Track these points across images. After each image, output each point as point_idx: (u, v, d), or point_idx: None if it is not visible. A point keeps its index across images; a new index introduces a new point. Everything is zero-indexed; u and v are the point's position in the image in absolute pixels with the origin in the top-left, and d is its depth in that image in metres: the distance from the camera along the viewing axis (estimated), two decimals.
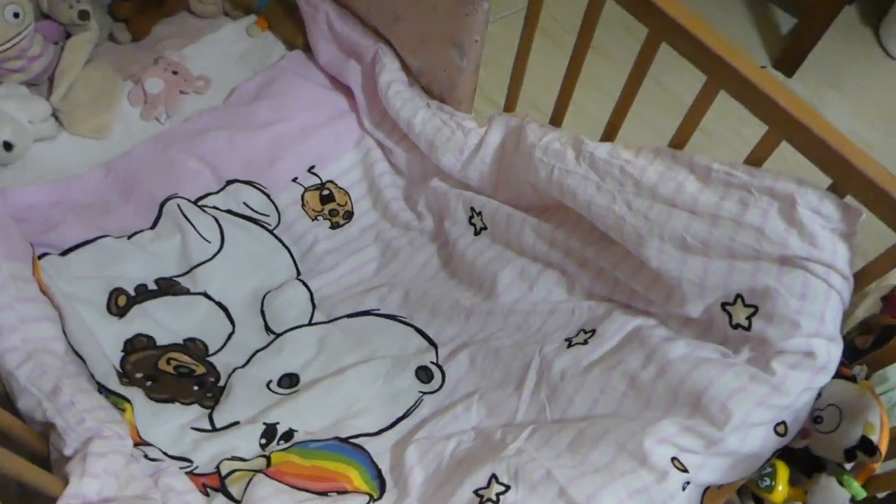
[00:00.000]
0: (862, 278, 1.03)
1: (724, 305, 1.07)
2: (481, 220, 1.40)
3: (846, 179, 0.93)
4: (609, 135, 1.28)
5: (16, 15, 1.55)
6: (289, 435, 1.22)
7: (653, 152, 1.16)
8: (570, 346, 1.19)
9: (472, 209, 1.41)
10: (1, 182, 1.46)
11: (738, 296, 1.05)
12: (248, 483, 1.08)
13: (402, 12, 1.44)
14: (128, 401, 1.18)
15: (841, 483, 1.04)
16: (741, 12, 2.33)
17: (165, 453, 1.16)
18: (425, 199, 1.49)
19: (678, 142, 1.15)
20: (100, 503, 0.94)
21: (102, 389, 1.18)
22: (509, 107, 1.45)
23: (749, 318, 1.04)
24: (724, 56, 0.99)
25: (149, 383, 1.26)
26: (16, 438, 1.02)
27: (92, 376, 1.19)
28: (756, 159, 1.05)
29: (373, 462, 1.19)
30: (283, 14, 1.72)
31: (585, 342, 1.18)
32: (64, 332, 1.19)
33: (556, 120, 1.37)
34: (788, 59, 2.13)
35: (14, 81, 1.59)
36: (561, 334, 1.23)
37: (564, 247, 1.27)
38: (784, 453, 1.12)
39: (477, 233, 1.41)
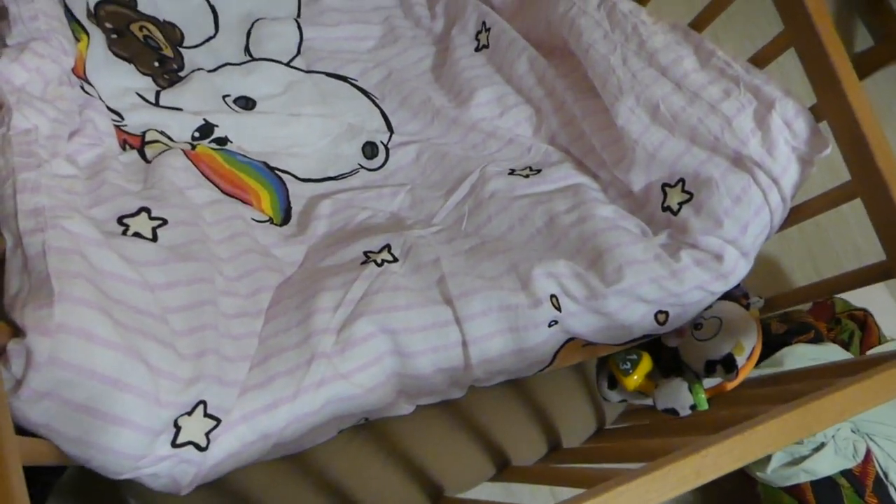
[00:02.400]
0: (798, 212, 1.04)
1: (664, 186, 1.08)
2: (487, 37, 1.38)
3: (828, 100, 0.92)
4: None
5: None
6: (223, 141, 1.23)
7: (670, 25, 1.15)
8: (511, 174, 1.20)
9: (484, 24, 1.38)
10: None
11: (681, 180, 1.06)
12: (164, 152, 1.09)
13: None
14: (87, 34, 1.18)
15: (690, 390, 1.08)
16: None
17: (101, 99, 1.16)
18: (446, 0, 1.47)
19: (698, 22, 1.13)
20: (19, 88, 0.93)
21: (67, 12, 1.17)
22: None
23: (681, 203, 1.05)
24: None
25: (114, 36, 1.25)
26: None
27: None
28: (762, 58, 1.04)
29: (287, 195, 1.21)
30: None
31: (527, 176, 1.19)
32: None
33: None
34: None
35: None
36: (508, 164, 1.24)
37: (550, 86, 1.26)
38: (652, 350, 1.16)
39: (478, 48, 1.39)
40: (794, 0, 0.92)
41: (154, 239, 0.90)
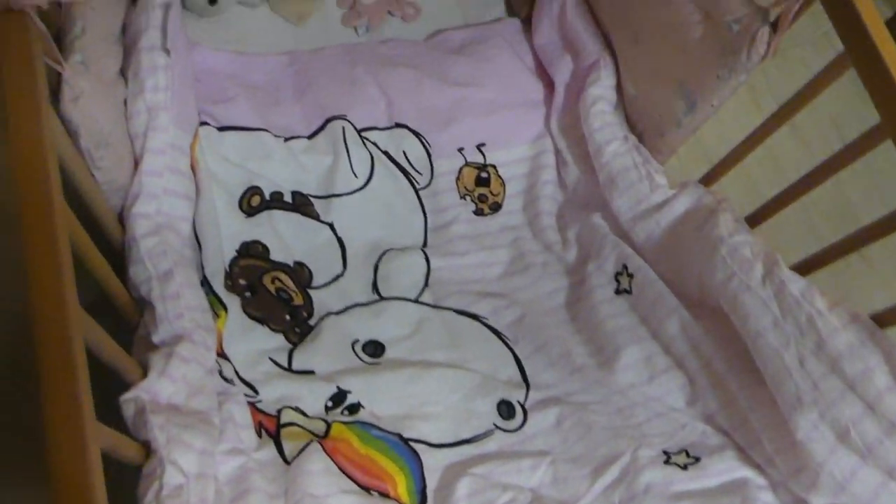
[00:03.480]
0: None
1: None
2: (629, 282, 1.30)
3: None
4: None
5: None
6: (355, 408, 1.18)
7: (850, 315, 1.04)
8: (667, 461, 1.11)
9: (625, 267, 1.31)
10: (192, 33, 1.43)
11: None
12: (303, 449, 1.05)
13: (644, 37, 1.32)
14: (225, 309, 1.16)
15: None
16: None
17: (238, 373, 1.14)
18: (579, 229, 1.40)
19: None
20: (166, 407, 0.92)
21: (206, 285, 1.16)
22: (709, 180, 1.32)
23: None
24: None
25: (248, 294, 1.23)
26: (117, 305, 1.00)
27: (202, 267, 1.17)
28: None
29: (422, 474, 1.14)
30: None
31: (685, 467, 1.09)
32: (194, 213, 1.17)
33: (753, 219, 1.25)
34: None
35: None
36: (662, 442, 1.14)
37: (706, 358, 1.17)
38: None
39: (618, 291, 1.32)
40: None
41: None
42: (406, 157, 1.44)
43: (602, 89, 1.41)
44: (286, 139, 1.37)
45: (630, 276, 1.30)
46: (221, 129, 1.32)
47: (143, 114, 1.10)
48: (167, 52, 1.12)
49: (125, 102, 1.11)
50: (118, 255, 1.05)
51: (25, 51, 0.72)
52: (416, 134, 1.44)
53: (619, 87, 1.43)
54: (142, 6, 1.15)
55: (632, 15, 1.33)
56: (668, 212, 1.29)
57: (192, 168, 1.19)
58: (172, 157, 1.12)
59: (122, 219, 1.08)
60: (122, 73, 1.13)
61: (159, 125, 1.10)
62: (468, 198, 1.45)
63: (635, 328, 1.27)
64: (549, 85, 1.52)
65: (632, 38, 1.36)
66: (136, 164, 1.10)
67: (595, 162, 1.38)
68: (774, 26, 1.06)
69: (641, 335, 1.25)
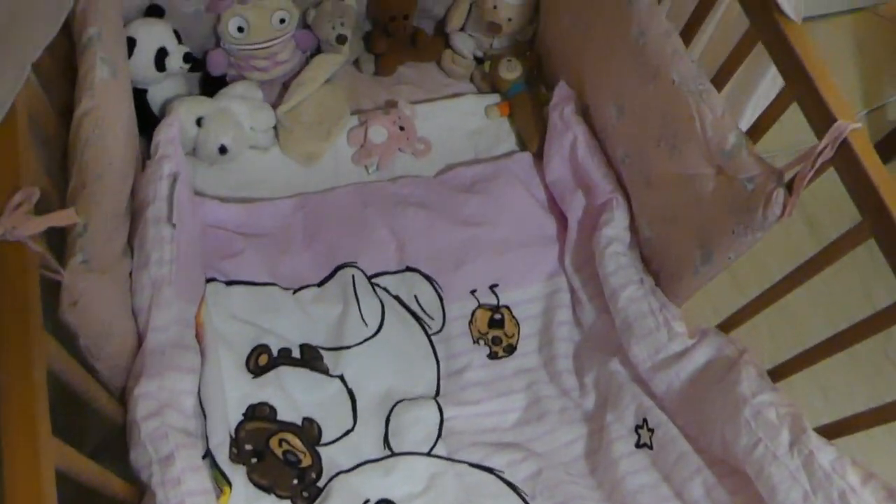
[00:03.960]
0: None
1: None
2: (650, 437, 1.24)
3: None
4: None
5: (281, 21, 1.52)
6: None
7: (886, 491, 0.98)
8: None
9: (646, 420, 1.25)
10: (202, 180, 1.45)
11: None
12: None
13: (657, 183, 1.30)
14: (229, 484, 1.12)
15: None
16: (856, 86, 2.24)
17: None
18: (597, 374, 1.35)
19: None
20: None
21: (210, 457, 1.13)
22: (729, 326, 1.28)
23: None
24: None
25: (254, 460, 1.19)
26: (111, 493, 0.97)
27: (206, 438, 1.14)
28: None
29: None
30: (530, 110, 1.61)
31: None
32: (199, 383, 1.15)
33: (776, 374, 1.19)
34: (889, 146, 2.00)
35: (253, 78, 1.57)
36: None
37: None
38: None
39: (639, 445, 1.26)
40: None
41: None
42: (418, 302, 1.41)
43: (615, 230, 1.38)
44: (295, 291, 1.35)
45: (651, 430, 1.24)
46: (229, 283, 1.31)
47: (148, 288, 1.09)
48: (173, 225, 1.12)
49: (130, 274, 1.11)
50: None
51: (19, 282, 0.71)
52: (428, 278, 1.42)
53: (633, 226, 1.41)
54: (150, 177, 1.16)
55: (643, 160, 1.32)
56: (687, 362, 1.24)
57: (198, 337, 1.18)
58: (176, 332, 1.10)
59: (123, 397, 1.06)
60: (129, 241, 1.13)
61: (163, 301, 1.09)
62: (482, 341, 1.42)
63: (657, 487, 1.21)
64: (562, 220, 1.50)
65: (644, 181, 1.34)
66: (140, 340, 1.09)
67: (611, 306, 1.34)
68: (790, 187, 1.04)
69: (664, 495, 1.19)
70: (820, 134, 0.99)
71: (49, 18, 0.85)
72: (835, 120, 0.96)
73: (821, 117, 0.99)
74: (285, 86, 1.61)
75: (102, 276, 0.95)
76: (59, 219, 0.74)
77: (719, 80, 1.19)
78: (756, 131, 1.12)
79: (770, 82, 1.15)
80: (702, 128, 1.14)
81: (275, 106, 1.56)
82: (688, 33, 1.25)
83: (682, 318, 1.31)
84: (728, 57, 1.17)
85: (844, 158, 0.96)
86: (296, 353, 1.32)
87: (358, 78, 1.69)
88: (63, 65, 1.11)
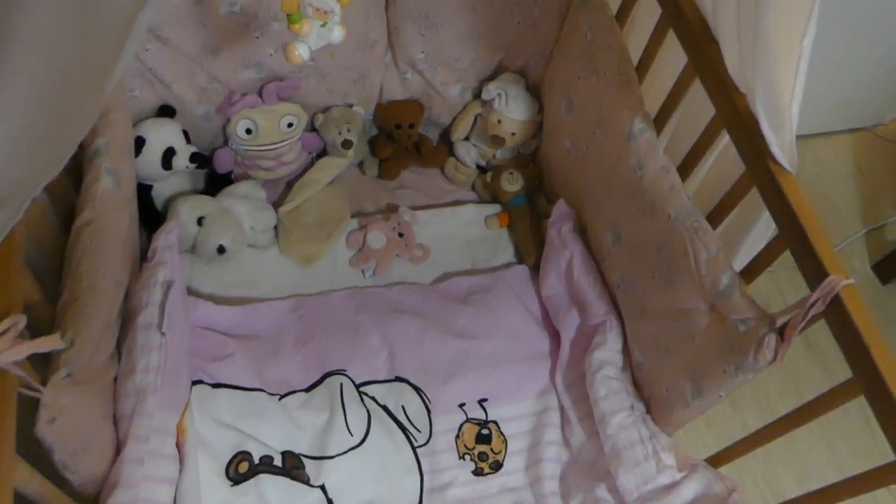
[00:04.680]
0: None
1: None
2: None
3: None
4: None
5: (289, 125, 1.55)
6: None
7: None
8: None
9: None
10: (199, 278, 1.45)
11: None
12: None
13: (651, 314, 1.30)
14: None
15: None
16: (855, 205, 2.24)
17: None
18: (583, 500, 1.32)
19: None
20: None
21: None
22: (719, 461, 1.26)
23: None
24: None
25: None
26: None
27: None
28: None
29: None
30: (529, 224, 1.63)
31: None
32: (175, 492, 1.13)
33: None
34: (889, 266, 2.01)
35: (258, 177, 1.60)
36: None
37: None
38: None
39: None
40: None
41: None
42: (405, 413, 1.39)
43: (608, 353, 1.38)
44: (281, 396, 1.34)
45: None
46: (216, 385, 1.30)
47: (132, 396, 1.08)
48: (163, 333, 1.11)
49: (115, 379, 1.10)
50: None
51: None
52: (417, 389, 1.41)
53: (625, 349, 1.40)
54: (144, 282, 1.16)
55: (638, 289, 1.32)
56: (676, 497, 1.22)
57: (178, 444, 1.16)
58: (156, 441, 1.09)
59: None
60: (118, 345, 1.13)
61: (145, 410, 1.08)
62: (468, 457, 1.39)
63: None
64: (556, 336, 1.50)
65: (638, 309, 1.34)
66: (119, 447, 1.07)
67: (600, 431, 1.32)
68: (782, 333, 1.03)
69: None
70: (812, 285, 0.99)
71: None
72: (827, 274, 0.96)
73: (813, 269, 0.99)
74: (289, 185, 1.63)
75: (86, 387, 0.94)
76: (43, 345, 0.74)
77: (715, 218, 1.20)
78: (750, 273, 1.13)
79: (765, 224, 1.16)
80: (696, 265, 1.15)
81: (277, 205, 1.58)
82: (685, 168, 1.27)
83: (672, 448, 1.29)
84: (724, 197, 1.18)
85: (836, 313, 0.96)
86: (277, 461, 1.29)
87: (361, 180, 1.71)
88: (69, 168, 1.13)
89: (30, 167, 0.65)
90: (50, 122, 0.61)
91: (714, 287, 1.12)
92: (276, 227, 1.56)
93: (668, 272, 1.21)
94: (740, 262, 1.17)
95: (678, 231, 1.18)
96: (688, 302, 1.19)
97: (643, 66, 1.35)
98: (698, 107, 1.26)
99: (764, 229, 1.19)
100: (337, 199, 1.64)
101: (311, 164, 1.65)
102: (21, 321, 0.72)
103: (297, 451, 1.31)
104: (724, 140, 1.23)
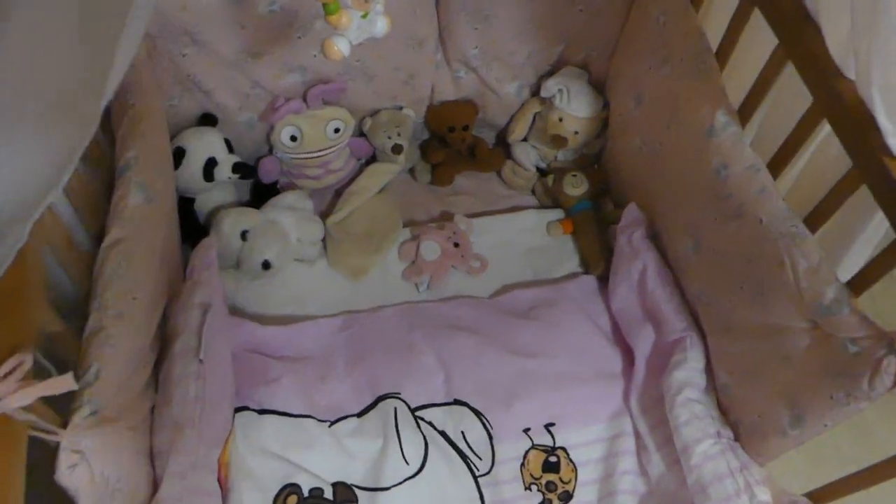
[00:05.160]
0: None
1: None
2: None
3: None
4: None
5: (336, 130, 1.47)
6: None
7: None
8: None
9: None
10: (243, 296, 1.37)
11: None
12: None
13: (739, 333, 1.16)
14: None
15: None
16: None
17: None
18: None
19: None
20: None
21: None
22: (822, 498, 1.11)
23: None
24: None
25: None
26: None
27: None
28: None
29: None
30: (594, 230, 1.50)
31: None
32: None
33: None
34: None
35: (305, 186, 1.52)
36: None
37: None
38: None
39: None
40: None
41: None
42: (465, 439, 1.28)
43: (689, 373, 1.24)
44: (331, 423, 1.25)
45: None
46: (262, 412, 1.22)
47: (168, 429, 1.00)
48: (200, 360, 1.03)
49: (152, 410, 1.02)
50: None
51: (2, 462, 0.62)
52: (477, 413, 1.30)
53: (708, 369, 1.26)
54: (181, 305, 1.08)
55: (722, 303, 1.18)
56: None
57: (220, 480, 1.07)
58: (194, 478, 1.00)
59: None
60: (155, 371, 1.05)
61: (184, 444, 0.99)
62: (534, 487, 1.27)
63: None
64: (628, 353, 1.37)
65: (722, 325, 1.20)
66: (156, 484, 0.99)
67: (683, 462, 1.19)
68: None
69: None
70: None
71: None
72: None
73: None
74: (338, 193, 1.55)
75: (115, 424, 0.85)
76: (54, 387, 0.66)
77: (812, 223, 1.06)
78: (861, 283, 0.97)
79: (874, 228, 1.01)
80: (794, 276, 1.01)
81: (325, 215, 1.50)
82: (776, 166, 1.13)
83: (767, 482, 1.14)
84: (825, 197, 1.03)
85: None
86: (328, 494, 1.20)
87: (412, 187, 1.61)
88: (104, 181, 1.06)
89: (29, 185, 0.57)
90: (44, 135, 0.53)
91: (816, 301, 0.98)
92: (323, 240, 1.47)
93: (760, 284, 1.07)
94: (847, 272, 1.02)
95: (771, 238, 1.04)
96: (784, 318, 1.04)
97: (723, 53, 1.22)
98: (790, 97, 1.11)
99: (872, 234, 1.04)
100: (387, 208, 1.54)
101: (359, 171, 1.56)
102: (27, 361, 0.64)
103: (349, 483, 1.22)
104: (822, 134, 1.08)
